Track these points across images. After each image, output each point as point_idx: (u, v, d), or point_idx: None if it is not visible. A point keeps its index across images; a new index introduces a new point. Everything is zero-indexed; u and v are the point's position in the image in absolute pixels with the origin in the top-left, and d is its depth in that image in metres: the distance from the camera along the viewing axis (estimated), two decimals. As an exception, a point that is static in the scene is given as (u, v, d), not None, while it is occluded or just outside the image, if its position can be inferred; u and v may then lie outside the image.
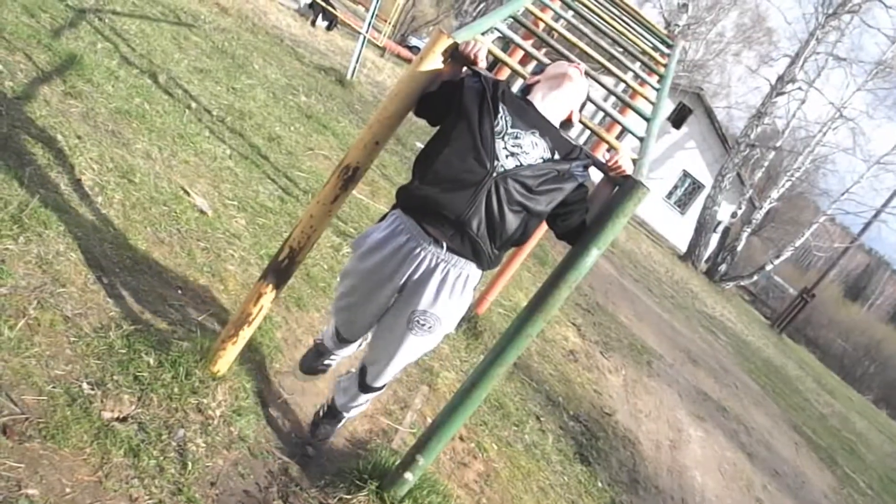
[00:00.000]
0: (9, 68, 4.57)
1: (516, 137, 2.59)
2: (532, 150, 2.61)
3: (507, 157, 2.57)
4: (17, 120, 4.06)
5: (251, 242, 4.71)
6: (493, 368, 2.91)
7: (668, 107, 30.38)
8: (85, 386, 2.69)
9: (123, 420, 2.68)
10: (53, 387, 2.61)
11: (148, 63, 6.81)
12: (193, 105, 6.60)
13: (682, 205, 31.45)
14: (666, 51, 4.83)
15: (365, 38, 12.92)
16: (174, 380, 2.94)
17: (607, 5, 5.21)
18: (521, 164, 2.58)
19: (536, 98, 2.76)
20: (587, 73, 2.89)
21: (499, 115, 2.60)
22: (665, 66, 4.48)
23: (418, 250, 2.69)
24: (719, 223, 26.00)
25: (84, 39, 6.20)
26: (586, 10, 4.72)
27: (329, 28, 18.86)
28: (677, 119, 31.17)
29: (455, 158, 2.57)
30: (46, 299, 2.97)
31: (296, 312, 4.32)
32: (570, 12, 4.78)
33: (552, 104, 2.75)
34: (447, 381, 4.83)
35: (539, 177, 2.59)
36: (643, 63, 4.68)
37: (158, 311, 3.43)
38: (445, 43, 2.71)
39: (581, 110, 2.89)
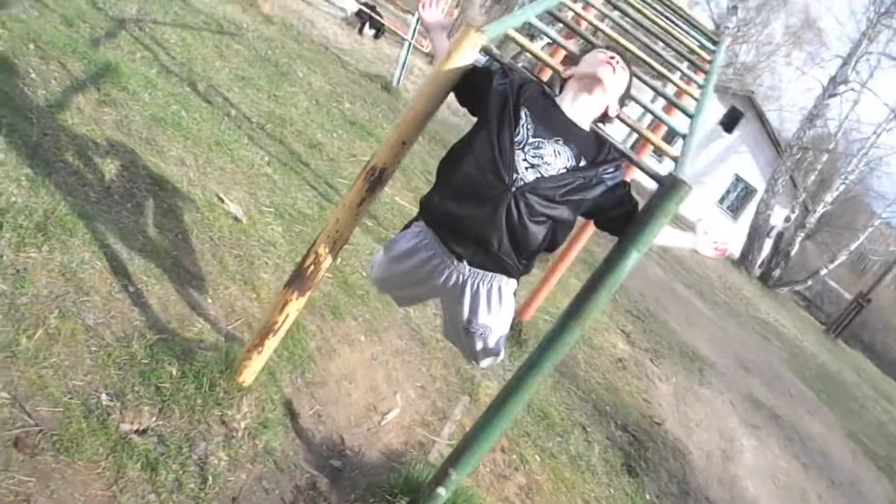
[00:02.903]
0: (42, 77, 4.55)
1: (538, 147, 2.43)
2: (554, 159, 2.44)
3: (526, 168, 2.41)
4: (49, 128, 4.01)
5: (287, 250, 4.61)
6: (530, 378, 2.74)
7: (718, 110, 30.03)
8: (103, 397, 2.60)
9: (143, 433, 2.58)
10: (70, 398, 2.52)
11: (187, 71, 6.79)
12: (233, 112, 6.55)
13: (735, 210, 30.83)
14: (711, 47, 4.63)
15: (410, 44, 12.86)
16: (197, 391, 2.84)
17: (651, 2, 5.03)
18: (543, 176, 2.42)
19: (566, 100, 2.57)
20: (627, 66, 2.68)
21: (520, 124, 2.45)
22: (710, 62, 4.28)
23: (442, 267, 2.64)
24: (772, 228, 25.36)
25: (123, 49, 6.21)
26: (630, 7, 4.54)
27: (376, 36, 18.83)
28: (728, 123, 30.59)
29: (474, 171, 2.44)
30: (68, 308, 2.89)
31: (331, 321, 4.20)
32: (615, 11, 4.62)
33: (582, 107, 2.56)
34: (489, 391, 4.67)
35: (562, 186, 2.43)
36: (690, 62, 4.48)
37: (186, 321, 3.34)
38: (474, 38, 2.57)
39: (622, 104, 2.70)
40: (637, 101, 3.12)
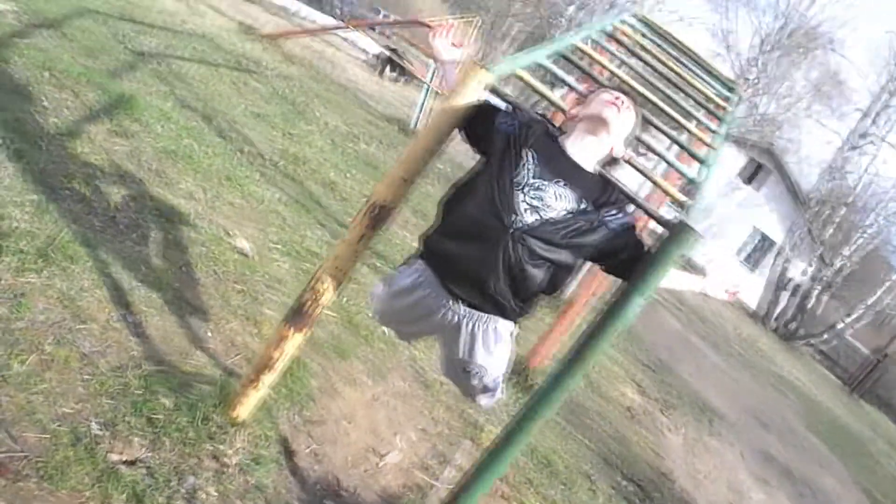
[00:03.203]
0: (55, 105, 4.58)
1: (538, 189, 2.39)
2: (555, 202, 2.40)
3: (526, 210, 2.37)
4: (57, 156, 4.03)
5: (293, 287, 4.57)
6: (530, 422, 2.67)
7: (738, 161, 30.01)
8: (93, 426, 2.55)
9: (132, 464, 2.52)
10: (58, 425, 2.47)
11: (203, 106, 6.84)
12: (246, 149, 6.58)
13: (753, 262, 30.63)
14: (728, 94, 4.61)
15: (428, 88, 12.96)
16: (190, 424, 2.78)
17: (667, 47, 5.02)
18: (542, 219, 2.38)
19: (571, 141, 2.53)
20: (633, 107, 2.64)
21: (521, 164, 2.41)
22: (725, 109, 4.25)
23: (438, 306, 2.59)
24: (790, 281, 25.17)
25: (141, 81, 6.27)
26: (646, 53, 4.54)
27: (397, 79, 19.01)
28: (748, 175, 30.56)
29: (474, 211, 2.42)
30: (64, 335, 2.86)
31: (336, 361, 4.14)
32: (632, 57, 4.62)
33: (586, 149, 2.52)
34: (492, 436, 4.57)
35: (563, 230, 2.39)
36: (706, 108, 4.46)
37: (184, 354, 3.29)
38: (480, 76, 2.55)
39: (627, 145, 2.66)
40: (650, 148, 3.10)
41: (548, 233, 2.37)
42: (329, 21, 19.85)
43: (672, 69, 4.47)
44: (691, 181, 3.01)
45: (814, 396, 16.22)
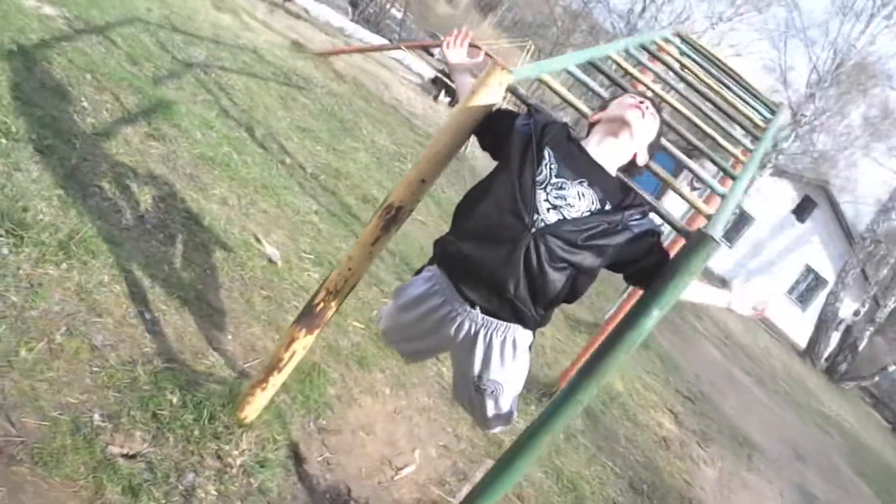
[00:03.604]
0: (94, 106, 4.63)
1: (560, 188, 2.30)
2: (578, 201, 2.31)
3: (548, 210, 2.28)
4: (90, 154, 4.06)
5: (320, 296, 4.54)
6: (538, 437, 2.57)
7: (791, 198, 29.49)
8: (96, 417, 2.53)
9: (132, 457, 2.49)
10: (60, 413, 2.45)
11: (247, 117, 6.87)
12: (287, 160, 6.59)
13: (804, 300, 29.93)
14: (768, 116, 4.49)
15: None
16: (196, 422, 2.75)
17: (709, 66, 4.93)
18: (565, 218, 2.28)
19: (592, 142, 2.46)
20: (658, 113, 2.56)
21: (543, 163, 2.33)
22: (764, 130, 4.13)
23: (454, 314, 2.45)
24: (841, 321, 24.46)
25: (185, 90, 6.33)
26: (688, 72, 4.45)
27: (452, 104, 19.06)
28: (801, 212, 29.99)
29: (493, 211, 2.32)
30: (77, 327, 2.85)
31: (356, 371, 4.08)
32: (670, 73, 4.54)
33: (607, 151, 2.44)
34: (517, 457, 4.47)
35: (585, 230, 2.29)
36: (742, 127, 4.35)
37: (199, 354, 3.26)
38: (500, 77, 2.49)
39: (652, 152, 2.58)
40: (682, 162, 3.01)
41: (570, 233, 2.27)
42: (384, 42, 20.01)
43: (711, 87, 4.38)
44: (721, 195, 2.90)
45: (861, 438, 15.69)
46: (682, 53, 4.82)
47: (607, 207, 2.33)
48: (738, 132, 4.04)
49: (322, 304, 2.73)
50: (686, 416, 7.97)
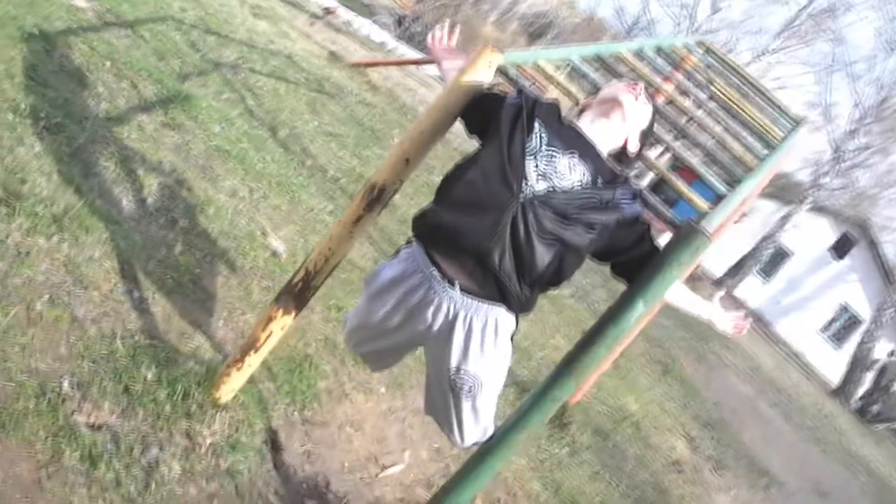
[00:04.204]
0: (111, 91, 4.66)
1: (551, 157, 2.22)
2: (568, 172, 2.22)
3: (537, 178, 2.18)
4: (100, 137, 4.07)
5: (322, 292, 4.46)
6: (512, 434, 2.50)
7: (829, 235, 29.03)
8: (65, 385, 2.50)
9: (97, 428, 2.46)
10: (27, 377, 2.43)
11: (272, 118, 6.88)
12: (308, 162, 6.59)
13: (838, 339, 29.31)
14: (788, 126, 4.40)
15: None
16: (168, 398, 2.71)
17: (735, 79, 4.86)
18: (555, 188, 2.19)
19: (583, 122, 2.41)
20: (651, 101, 2.50)
21: (533, 133, 2.25)
22: (781, 139, 4.05)
23: (432, 295, 2.32)
24: (876, 361, 23.92)
25: (210, 87, 6.35)
26: (715, 88, 4.39)
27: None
28: (839, 249, 29.47)
29: (479, 179, 2.22)
30: (60, 297, 2.84)
31: (351, 367, 4.02)
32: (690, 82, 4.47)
33: (599, 132, 2.37)
34: (514, 467, 4.38)
35: (576, 202, 2.19)
36: (763, 140, 4.26)
37: (186, 335, 3.23)
38: (490, 56, 2.45)
39: (644, 141, 2.50)
40: (680, 158, 2.95)
41: (560, 203, 2.17)
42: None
43: (733, 99, 4.31)
44: (719, 195, 2.82)
45: (890, 480, 15.24)
46: (709, 66, 4.77)
47: (599, 182, 2.25)
48: (752, 141, 3.96)
49: (301, 284, 2.70)
50: (702, 441, 7.79)
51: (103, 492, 2.27)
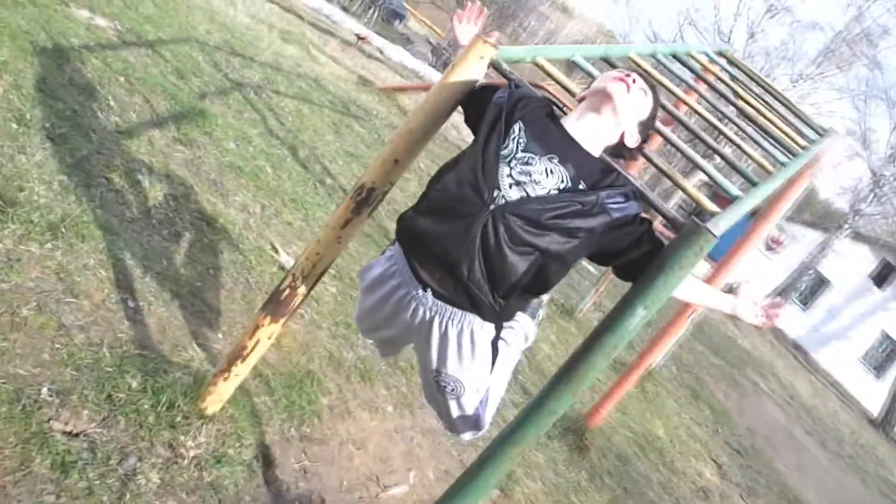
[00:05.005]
0: (122, 106, 4.64)
1: (526, 163, 2.11)
2: (544, 178, 2.10)
3: (510, 186, 2.08)
4: (106, 149, 4.05)
5: (331, 308, 4.41)
6: (507, 448, 2.37)
7: (869, 263, 28.45)
8: (44, 391, 2.43)
9: (74, 435, 2.38)
10: (4, 382, 2.36)
11: (292, 137, 6.85)
12: (328, 181, 6.54)
13: (879, 368, 28.61)
14: (813, 137, 4.25)
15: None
16: (152, 408, 2.63)
17: (757, 90, 4.74)
18: (528, 196, 2.08)
19: (571, 118, 2.27)
20: (650, 91, 2.35)
21: (510, 137, 2.15)
22: (804, 148, 3.90)
23: (409, 298, 2.26)
24: (918, 391, 23.31)
25: (230, 107, 6.34)
26: (739, 98, 4.26)
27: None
28: (879, 277, 28.87)
29: (453, 185, 2.14)
30: (48, 304, 2.79)
31: (356, 384, 3.92)
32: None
33: (587, 128, 2.24)
34: (527, 491, 4.24)
35: (551, 209, 2.07)
36: (786, 149, 4.12)
37: (179, 347, 3.16)
38: (482, 50, 2.36)
39: (644, 133, 2.36)
40: (693, 161, 2.83)
41: (532, 212, 2.06)
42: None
43: (757, 109, 4.18)
44: (734, 197, 2.68)
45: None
46: (733, 79, 4.65)
47: (580, 186, 2.12)
48: (774, 150, 3.82)
49: (289, 291, 2.61)
50: (731, 468, 7.55)
51: (73, 500, 2.18)
